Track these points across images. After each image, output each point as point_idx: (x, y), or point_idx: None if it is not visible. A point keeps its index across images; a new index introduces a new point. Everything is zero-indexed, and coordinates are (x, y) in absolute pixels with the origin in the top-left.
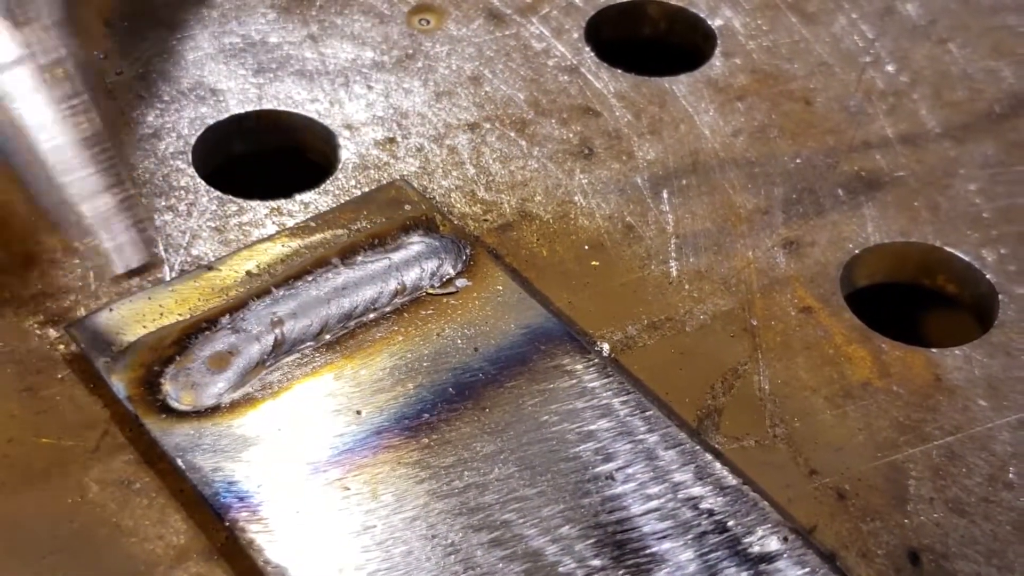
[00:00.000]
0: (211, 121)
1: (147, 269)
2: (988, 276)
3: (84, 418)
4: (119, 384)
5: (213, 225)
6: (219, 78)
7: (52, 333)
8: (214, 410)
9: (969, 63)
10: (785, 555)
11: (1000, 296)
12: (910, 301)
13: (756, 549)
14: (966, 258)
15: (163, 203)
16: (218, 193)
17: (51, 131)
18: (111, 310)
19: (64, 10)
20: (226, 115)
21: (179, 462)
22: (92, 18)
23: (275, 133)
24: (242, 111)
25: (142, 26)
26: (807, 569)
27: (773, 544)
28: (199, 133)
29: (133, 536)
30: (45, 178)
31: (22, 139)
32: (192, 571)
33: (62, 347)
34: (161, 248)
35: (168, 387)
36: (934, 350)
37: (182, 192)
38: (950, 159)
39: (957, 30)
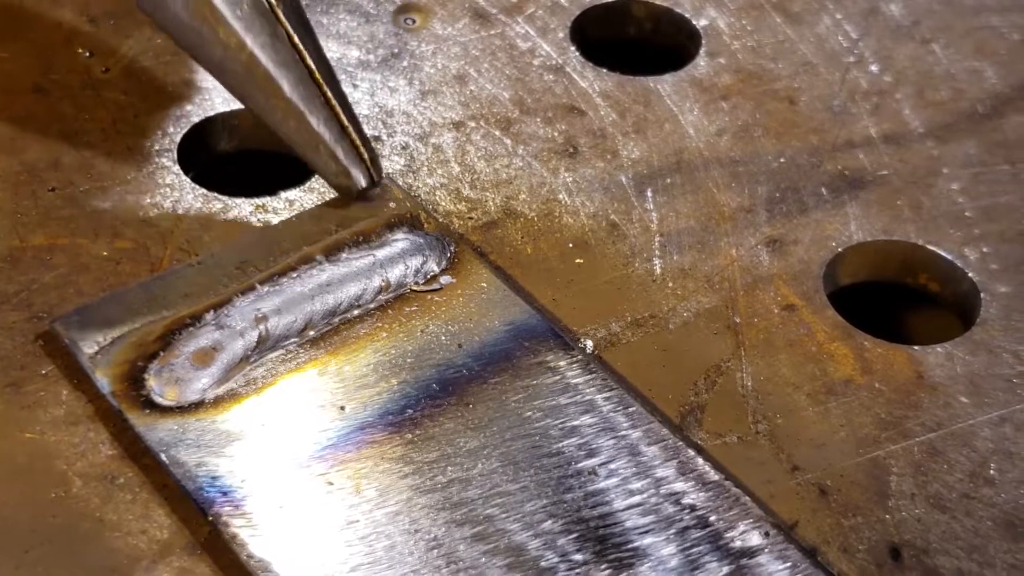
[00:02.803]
0: (196, 119)
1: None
2: (970, 274)
3: (68, 413)
4: (103, 379)
5: (199, 223)
6: (205, 76)
7: (36, 329)
8: (198, 405)
9: (952, 63)
10: (767, 550)
11: (982, 294)
12: (893, 299)
13: (738, 544)
14: (948, 256)
15: (148, 200)
16: (203, 190)
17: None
18: (96, 306)
19: None
20: (212, 113)
21: (163, 457)
22: (78, 16)
23: (261, 131)
24: (228, 109)
25: (128, 24)
26: (788, 564)
27: (755, 539)
28: (184, 131)
29: (116, 531)
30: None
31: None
32: (175, 565)
33: (46, 343)
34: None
35: (152, 382)
36: (916, 348)
37: (167, 189)
38: (933, 158)
39: (940, 30)
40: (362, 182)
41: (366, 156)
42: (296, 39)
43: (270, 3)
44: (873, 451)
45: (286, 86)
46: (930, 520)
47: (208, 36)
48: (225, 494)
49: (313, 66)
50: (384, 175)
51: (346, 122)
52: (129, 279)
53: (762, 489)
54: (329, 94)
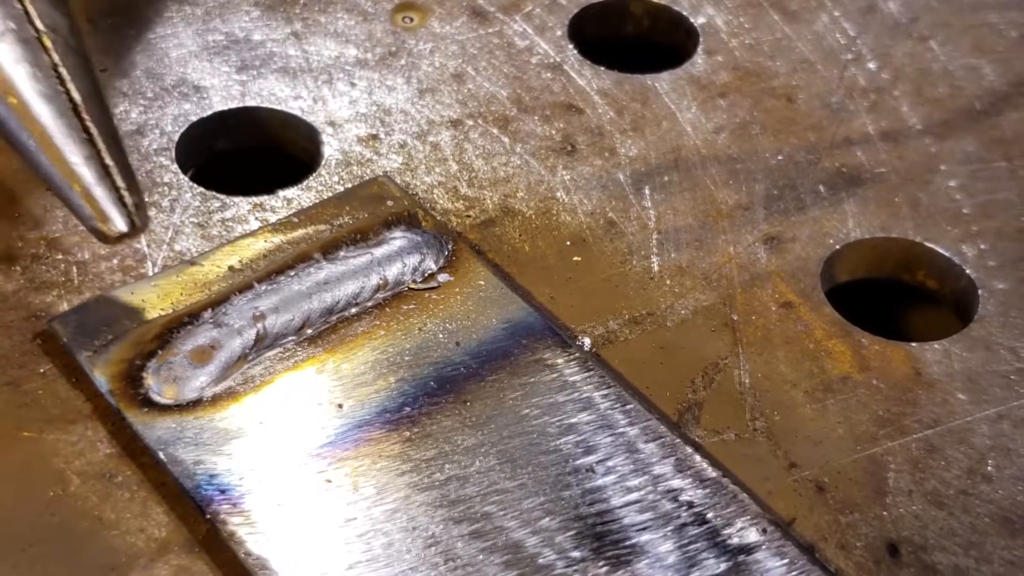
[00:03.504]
0: (195, 118)
1: (131, 235)
2: (968, 271)
3: (66, 412)
4: (101, 378)
5: (196, 221)
6: (203, 75)
7: (34, 328)
8: (196, 404)
9: (950, 60)
10: (764, 547)
11: (980, 291)
12: (890, 296)
13: (735, 541)
14: (946, 253)
15: (146, 199)
16: (201, 189)
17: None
18: (93, 305)
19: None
20: (209, 112)
21: (161, 455)
22: (76, 15)
23: (258, 130)
24: (225, 108)
25: (125, 23)
26: (786, 560)
27: (752, 536)
28: (182, 130)
29: (115, 529)
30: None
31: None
32: (173, 563)
33: (44, 342)
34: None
35: (150, 381)
36: (914, 344)
37: (165, 188)
38: (931, 155)
39: (938, 28)
40: (121, 227)
41: (129, 201)
42: (62, 70)
43: (37, 30)
44: (871, 448)
45: (43, 117)
46: (928, 516)
47: None
48: (223, 492)
49: (79, 99)
50: (382, 173)
51: (109, 161)
52: (127, 278)
53: (760, 486)
54: (93, 130)
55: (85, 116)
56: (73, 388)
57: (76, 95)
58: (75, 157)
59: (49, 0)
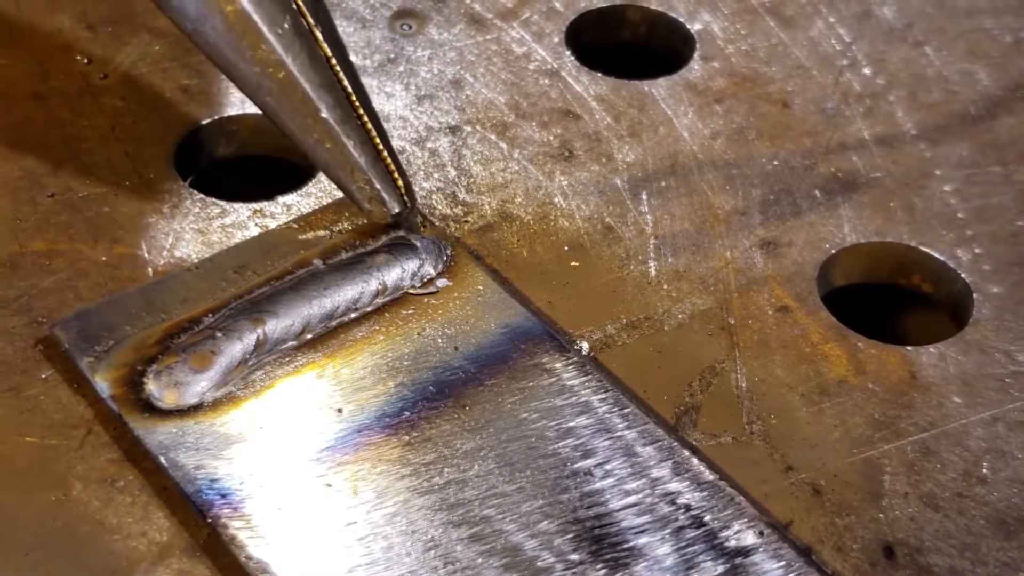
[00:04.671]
0: (194, 125)
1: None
2: (963, 275)
3: (68, 417)
4: (103, 383)
5: (196, 227)
6: (202, 82)
7: (36, 334)
8: (197, 408)
9: (945, 65)
10: (761, 549)
11: (975, 295)
12: (886, 300)
13: (733, 543)
14: (941, 258)
15: (146, 206)
16: (201, 195)
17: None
18: (95, 311)
19: None
20: (209, 119)
21: (162, 460)
22: (76, 23)
23: (258, 136)
24: (225, 115)
25: (126, 31)
26: (783, 563)
27: (749, 538)
28: (182, 136)
29: (116, 533)
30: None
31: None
32: (175, 567)
33: (45, 348)
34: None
35: (151, 386)
36: (909, 348)
37: (165, 195)
38: (926, 160)
39: (933, 33)
40: (395, 208)
41: (400, 183)
42: (334, 61)
43: (309, 24)
44: (867, 451)
45: (323, 108)
46: (923, 519)
47: (246, 54)
48: (224, 496)
49: (350, 88)
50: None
51: (381, 147)
52: (128, 284)
53: (756, 489)
54: (365, 118)
55: (357, 103)
56: (75, 394)
57: (347, 84)
58: (352, 143)
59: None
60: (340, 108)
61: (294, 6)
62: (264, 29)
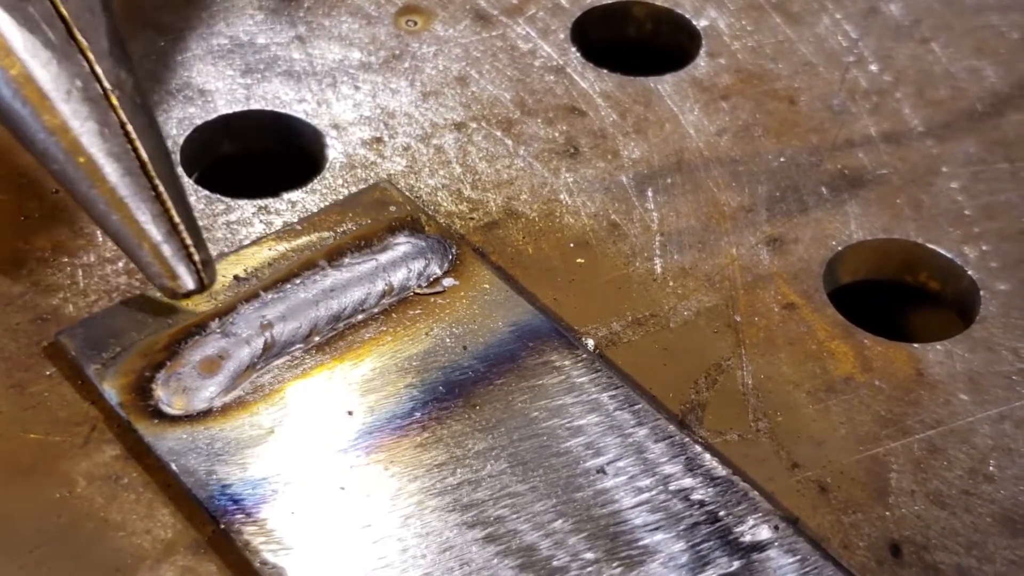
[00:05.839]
0: (199, 121)
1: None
2: (970, 272)
3: (72, 414)
4: (111, 390)
5: (201, 224)
6: (207, 79)
7: (41, 330)
8: (206, 414)
9: (952, 62)
10: (776, 543)
11: (981, 292)
12: (893, 297)
13: (748, 538)
14: (948, 255)
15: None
16: (206, 192)
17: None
18: (101, 317)
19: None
20: (214, 115)
21: (173, 467)
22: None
23: (263, 133)
24: (230, 111)
25: (130, 28)
26: (798, 557)
27: (764, 533)
28: (187, 133)
29: (121, 530)
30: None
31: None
32: (180, 564)
33: (50, 344)
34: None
35: (159, 392)
36: (916, 345)
37: None
38: (933, 157)
39: (940, 30)
40: (189, 285)
41: (197, 258)
42: (129, 128)
43: (104, 88)
44: (873, 448)
45: (112, 176)
46: (930, 517)
47: (31, 119)
48: (237, 502)
49: (146, 157)
50: (384, 178)
51: (177, 219)
52: (133, 280)
53: (763, 486)
54: (161, 189)
55: (153, 174)
56: (79, 390)
57: (144, 153)
58: (143, 215)
59: (114, 57)
60: (131, 177)
61: (87, 69)
62: (51, 94)
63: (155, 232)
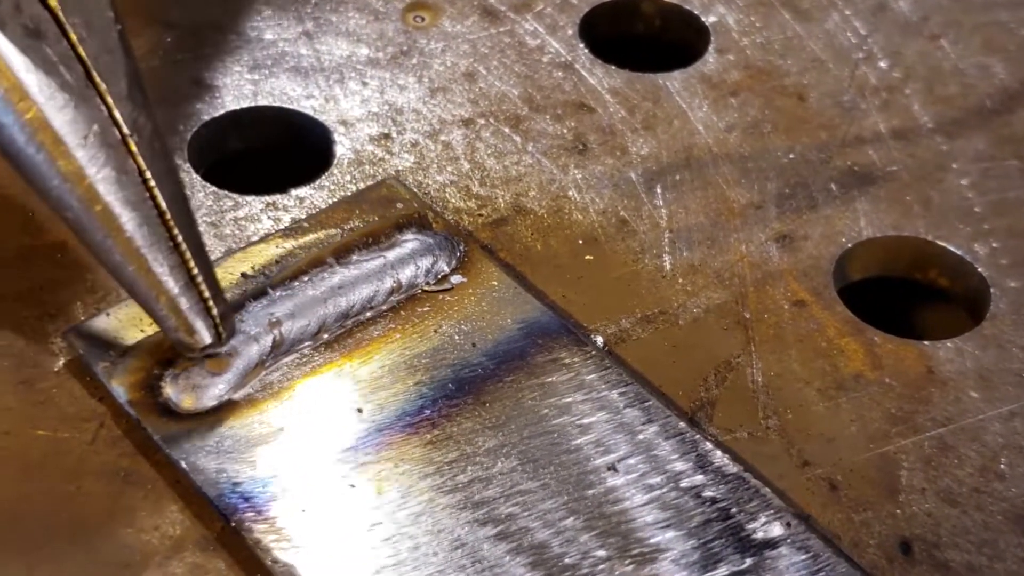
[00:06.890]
0: (206, 117)
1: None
2: (980, 269)
3: (80, 410)
4: (119, 388)
5: (209, 220)
6: (214, 74)
7: (49, 327)
8: (215, 412)
9: (961, 59)
10: (788, 540)
11: (992, 289)
12: (903, 295)
13: (759, 535)
14: (958, 252)
15: None
16: (214, 188)
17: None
18: (108, 314)
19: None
20: (221, 111)
21: (183, 465)
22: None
23: (271, 129)
24: (238, 107)
25: (137, 24)
26: (810, 554)
27: (776, 530)
28: (195, 129)
29: (129, 526)
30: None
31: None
32: (188, 561)
33: (59, 340)
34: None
35: (168, 390)
36: (926, 343)
37: None
38: (942, 154)
39: (949, 26)
40: (206, 339)
41: (215, 311)
42: (148, 175)
43: (123, 134)
44: (883, 446)
45: (129, 225)
46: (940, 514)
47: (45, 166)
48: (247, 500)
49: (164, 206)
50: (391, 175)
51: (195, 271)
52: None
53: (773, 484)
54: (180, 239)
55: (172, 223)
56: (87, 387)
57: (162, 202)
58: (160, 267)
59: (133, 100)
60: (148, 227)
61: (106, 114)
62: (67, 139)
63: (172, 284)
